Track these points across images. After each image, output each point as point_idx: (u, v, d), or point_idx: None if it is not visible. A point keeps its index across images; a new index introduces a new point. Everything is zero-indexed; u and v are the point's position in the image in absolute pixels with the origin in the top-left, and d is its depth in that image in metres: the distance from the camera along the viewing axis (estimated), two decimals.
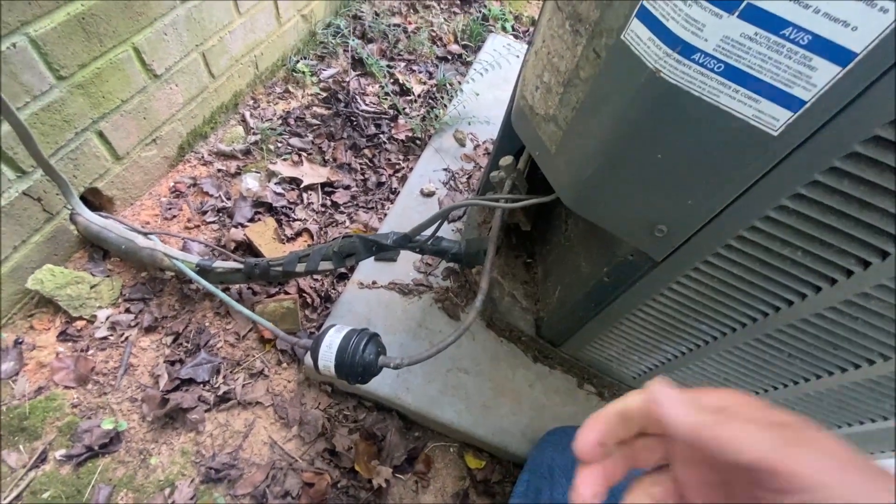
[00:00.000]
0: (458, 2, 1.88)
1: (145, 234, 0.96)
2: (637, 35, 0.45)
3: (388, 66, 1.56)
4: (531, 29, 1.89)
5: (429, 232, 0.85)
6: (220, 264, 0.93)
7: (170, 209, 1.10)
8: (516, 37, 1.83)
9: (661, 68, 0.43)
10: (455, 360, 0.97)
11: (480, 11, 1.85)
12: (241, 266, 0.93)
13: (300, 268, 0.90)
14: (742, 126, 0.43)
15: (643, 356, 0.81)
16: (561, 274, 0.88)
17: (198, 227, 1.10)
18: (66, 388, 0.85)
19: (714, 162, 0.47)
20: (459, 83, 1.54)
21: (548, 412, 0.95)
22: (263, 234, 1.06)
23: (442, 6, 1.85)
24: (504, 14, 1.87)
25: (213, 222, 1.11)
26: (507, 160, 0.83)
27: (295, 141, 1.30)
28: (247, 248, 1.06)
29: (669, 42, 0.42)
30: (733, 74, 0.41)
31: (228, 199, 1.15)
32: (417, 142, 1.38)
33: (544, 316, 0.94)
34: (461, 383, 0.95)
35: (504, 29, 1.83)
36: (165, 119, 1.10)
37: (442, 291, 1.05)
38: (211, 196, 1.14)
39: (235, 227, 1.09)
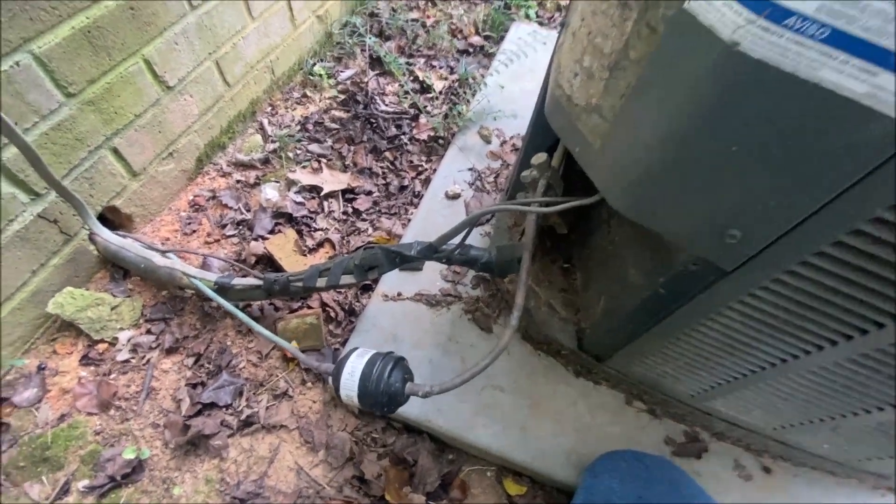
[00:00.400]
0: None
1: (163, 253, 0.93)
2: (707, 1, 0.36)
3: (408, 63, 1.49)
4: (557, 15, 1.78)
5: (456, 240, 0.78)
6: (239, 281, 0.89)
7: (189, 224, 1.07)
8: (541, 24, 1.73)
9: (741, 39, 0.34)
10: (489, 376, 0.90)
11: (502, 0, 1.75)
12: (260, 282, 0.88)
13: (321, 282, 0.85)
14: (850, 107, 0.34)
15: (705, 374, 0.72)
16: (605, 282, 0.79)
17: (218, 241, 1.06)
18: (89, 414, 0.83)
19: (808, 154, 0.38)
20: (483, 76, 1.46)
21: (594, 433, 0.86)
22: (284, 247, 1.01)
23: None
24: (527, 1, 1.77)
25: (233, 235, 1.07)
26: (540, 157, 0.75)
27: (314, 147, 1.25)
28: (267, 261, 1.02)
29: (753, 6, 0.33)
30: (842, 41, 0.32)
31: (248, 210, 1.11)
32: (440, 141, 1.31)
33: (587, 328, 0.85)
34: (496, 402, 0.87)
35: (528, 16, 1.73)
36: (181, 131, 1.07)
37: (472, 302, 0.98)
38: (230, 209, 1.11)
39: (255, 240, 1.05)
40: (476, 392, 0.88)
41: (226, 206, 1.11)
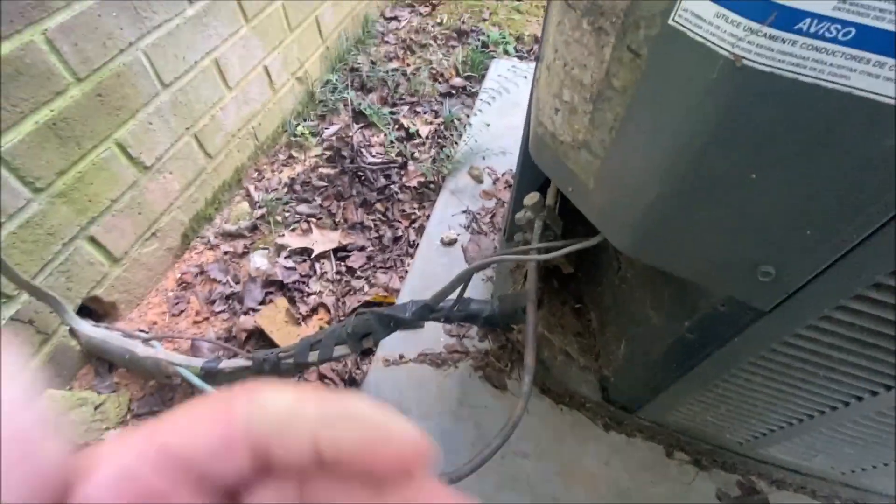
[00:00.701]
0: (455, 35, 1.81)
1: (146, 341, 0.87)
2: (695, 15, 0.31)
3: (391, 112, 1.48)
4: (535, 47, 1.78)
5: (453, 294, 0.72)
6: (227, 364, 0.82)
7: (177, 304, 1.02)
8: (521, 58, 1.72)
9: (745, 53, 0.29)
10: (510, 441, 0.80)
11: (479, 40, 1.76)
12: (249, 363, 0.82)
13: (313, 357, 0.78)
14: (891, 113, 0.28)
15: (754, 420, 0.62)
16: (623, 325, 0.71)
17: (207, 318, 1.01)
18: None
19: (845, 172, 0.32)
20: (468, 116, 1.43)
21: (635, 495, 0.76)
22: (275, 319, 0.95)
23: (439, 42, 1.78)
24: (504, 37, 1.77)
25: (223, 311, 1.02)
26: (532, 198, 0.70)
27: (303, 208, 1.22)
28: (259, 336, 0.96)
29: (753, 13, 0.28)
30: (873, 40, 0.26)
31: (237, 282, 1.06)
32: (431, 186, 1.26)
33: (610, 376, 0.77)
34: (521, 472, 0.78)
35: (506, 52, 1.73)
36: (163, 210, 1.04)
37: (481, 357, 0.90)
38: (219, 283, 1.06)
39: (246, 313, 0.99)
40: (497, 462, 0.78)
41: (214, 280, 1.06)
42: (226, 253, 1.12)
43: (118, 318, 0.99)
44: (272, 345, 0.93)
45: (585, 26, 0.41)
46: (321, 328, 0.95)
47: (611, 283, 0.77)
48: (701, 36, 0.31)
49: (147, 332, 0.96)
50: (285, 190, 1.26)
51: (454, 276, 0.67)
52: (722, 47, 0.30)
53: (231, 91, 1.16)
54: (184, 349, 0.93)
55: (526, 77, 1.26)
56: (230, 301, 1.03)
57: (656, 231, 0.43)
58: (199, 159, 1.11)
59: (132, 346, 0.85)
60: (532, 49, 1.77)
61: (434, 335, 0.93)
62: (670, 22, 0.32)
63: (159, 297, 1.04)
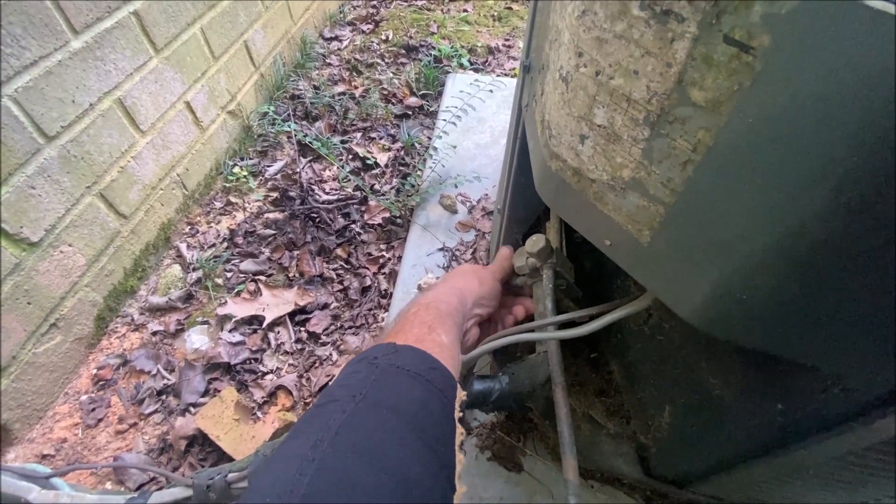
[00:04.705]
0: (404, 51, 1.67)
1: (46, 478, 0.65)
2: None
3: (343, 141, 1.31)
4: (490, 59, 1.67)
5: None
6: (158, 498, 0.62)
7: (93, 410, 0.80)
8: (477, 70, 1.60)
9: None
10: None
11: (430, 54, 1.63)
12: (189, 492, 0.62)
13: None
14: None
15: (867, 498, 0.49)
16: (664, 389, 0.57)
17: (134, 425, 0.79)
18: None
19: None
20: (429, 139, 1.29)
21: None
22: (221, 417, 0.75)
23: (387, 60, 1.64)
24: (456, 50, 1.65)
25: (155, 412, 0.81)
26: (538, 243, 0.55)
27: (248, 265, 1.02)
28: (203, 441, 0.76)
29: None
30: None
31: (171, 371, 0.85)
32: (398, 222, 1.10)
33: (651, 446, 0.62)
34: None
35: (461, 66, 1.60)
36: (65, 292, 0.82)
37: (487, 432, 0.74)
38: (147, 374, 0.85)
39: (183, 413, 0.79)
40: None
41: (141, 371, 0.85)
42: (155, 333, 0.91)
43: (13, 442, 0.76)
44: (219, 454, 0.73)
45: (638, 13, 0.26)
46: (284, 423, 0.76)
47: (638, 332, 0.63)
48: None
49: (51, 457, 0.74)
50: (224, 245, 1.06)
51: None
52: None
53: (144, 135, 0.96)
54: (102, 477, 0.72)
55: (491, 91, 1.13)
56: (163, 397, 0.82)
57: (764, 303, 0.29)
58: (109, 222, 0.90)
59: (25, 491, 0.63)
60: (487, 61, 1.66)
61: None
62: None
63: (69, 404, 0.82)
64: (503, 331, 0.51)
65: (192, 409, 0.79)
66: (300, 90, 1.47)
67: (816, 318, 0.28)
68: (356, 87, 1.52)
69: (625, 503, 0.68)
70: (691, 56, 0.25)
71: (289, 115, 1.37)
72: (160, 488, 0.65)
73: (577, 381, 0.72)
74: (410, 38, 1.71)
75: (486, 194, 1.10)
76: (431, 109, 1.43)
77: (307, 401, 0.82)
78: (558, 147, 0.38)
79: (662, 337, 0.57)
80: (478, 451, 0.72)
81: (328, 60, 1.64)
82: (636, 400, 0.66)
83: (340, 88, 1.52)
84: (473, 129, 1.27)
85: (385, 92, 1.50)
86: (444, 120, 1.10)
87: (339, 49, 1.69)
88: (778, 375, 0.39)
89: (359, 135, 1.35)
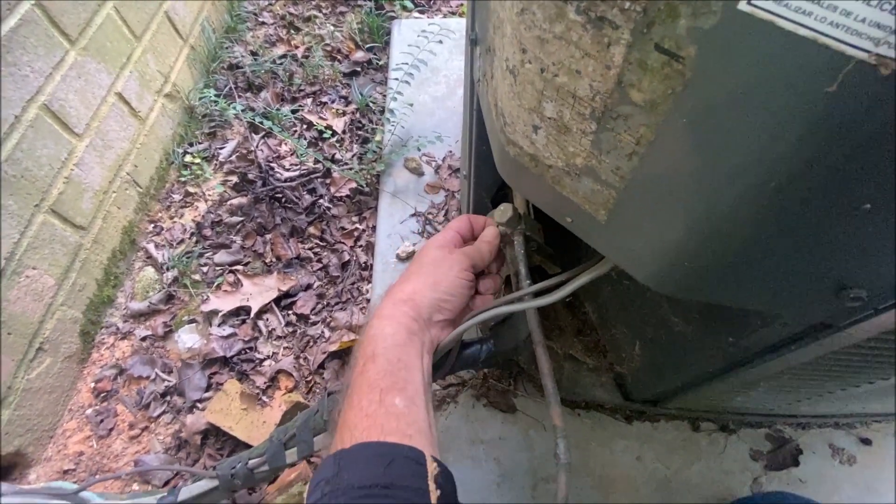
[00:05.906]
0: None
1: (75, 493, 0.69)
2: None
3: (293, 110, 1.26)
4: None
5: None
6: (187, 493, 0.67)
7: (102, 422, 0.83)
8: (422, 12, 1.52)
9: None
10: (533, 469, 0.73)
11: (369, 1, 1.52)
12: (215, 482, 0.67)
13: (291, 456, 0.64)
14: None
15: (792, 394, 0.57)
16: (635, 325, 0.63)
17: (146, 429, 0.83)
18: None
19: None
20: (383, 96, 1.25)
21: (675, 482, 0.72)
22: (229, 409, 0.79)
23: (325, 12, 1.53)
24: None
25: (164, 413, 0.84)
26: (505, 213, 0.57)
27: (222, 256, 1.02)
28: (217, 433, 0.80)
29: None
30: None
31: (169, 372, 0.87)
32: (366, 191, 1.10)
33: (627, 375, 0.70)
34: (556, 499, 0.71)
35: (405, 8, 1.51)
36: (42, 315, 0.81)
37: (479, 382, 0.80)
38: (146, 379, 0.87)
39: (192, 410, 0.82)
40: (529, 495, 0.71)
41: (140, 377, 0.87)
42: (144, 339, 0.91)
43: (30, 464, 0.78)
44: (235, 441, 0.78)
45: (574, 16, 0.27)
46: (291, 405, 0.81)
47: (607, 277, 0.67)
48: (810, 28, 0.18)
49: (72, 471, 0.77)
50: (193, 239, 1.05)
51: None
52: (854, 46, 0.18)
53: (81, 139, 0.91)
54: (128, 481, 0.76)
55: (441, 41, 1.08)
56: (168, 398, 0.85)
57: (707, 267, 0.33)
58: (68, 237, 0.87)
59: None
60: (432, 1, 1.56)
61: None
62: (742, 6, 0.20)
63: (76, 419, 0.84)
64: (481, 308, 0.52)
65: (198, 405, 0.83)
66: (237, 58, 1.37)
67: (753, 276, 0.32)
68: (297, 47, 1.43)
69: (609, 423, 0.76)
70: (627, 60, 0.26)
71: (230, 89, 1.29)
72: (186, 482, 0.70)
73: (557, 325, 0.78)
74: None
75: (451, 151, 1.10)
76: (381, 63, 1.37)
77: (308, 379, 0.86)
78: (514, 135, 0.39)
79: (628, 282, 0.61)
80: (474, 401, 0.79)
81: (260, 19, 1.51)
82: (610, 336, 0.72)
83: (280, 50, 1.42)
84: (428, 81, 1.23)
85: (329, 48, 1.41)
86: (397, 79, 1.06)
87: (269, 4, 1.56)
88: (728, 314, 0.44)
89: (309, 101, 1.29)
